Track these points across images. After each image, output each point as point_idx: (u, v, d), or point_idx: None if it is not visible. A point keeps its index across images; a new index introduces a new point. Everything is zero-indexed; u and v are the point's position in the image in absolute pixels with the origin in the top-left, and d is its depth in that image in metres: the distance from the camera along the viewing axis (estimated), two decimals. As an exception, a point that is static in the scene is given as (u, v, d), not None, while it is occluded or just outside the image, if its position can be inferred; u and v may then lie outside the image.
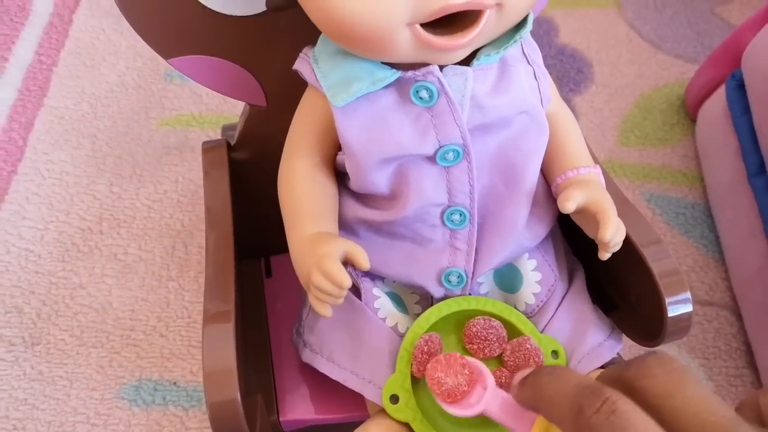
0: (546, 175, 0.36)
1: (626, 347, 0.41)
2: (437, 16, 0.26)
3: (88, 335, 0.52)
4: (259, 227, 0.43)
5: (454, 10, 0.26)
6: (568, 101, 0.65)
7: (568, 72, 0.67)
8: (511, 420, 0.29)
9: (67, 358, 0.51)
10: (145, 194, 0.58)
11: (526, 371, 0.27)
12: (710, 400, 0.22)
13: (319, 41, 0.32)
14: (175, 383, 0.50)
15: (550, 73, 0.66)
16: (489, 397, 0.29)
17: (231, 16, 0.35)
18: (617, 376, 0.24)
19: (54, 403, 0.49)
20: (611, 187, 0.37)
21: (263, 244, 0.46)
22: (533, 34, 0.33)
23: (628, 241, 0.35)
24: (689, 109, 0.64)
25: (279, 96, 0.39)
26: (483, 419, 0.31)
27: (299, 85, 0.34)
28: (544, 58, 0.70)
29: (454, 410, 0.30)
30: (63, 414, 0.49)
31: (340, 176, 0.35)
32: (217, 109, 0.63)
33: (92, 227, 0.56)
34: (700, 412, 0.21)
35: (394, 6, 0.26)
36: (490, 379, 0.30)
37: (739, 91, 0.53)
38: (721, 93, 0.57)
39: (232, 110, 0.49)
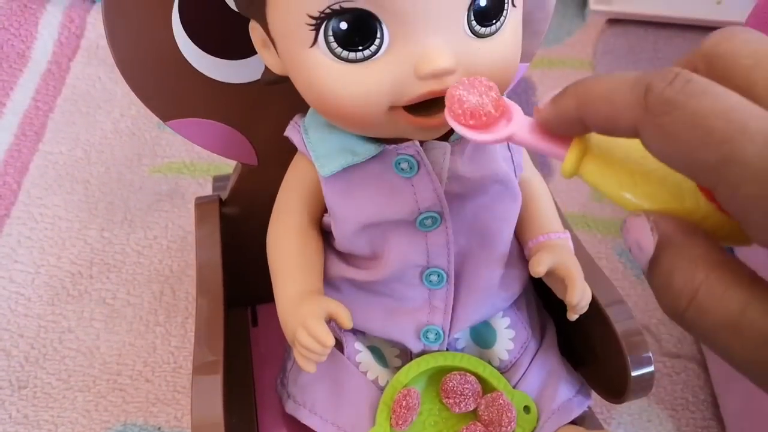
0: (519, 238, 0.38)
1: (596, 402, 0.43)
2: (417, 101, 0.29)
3: (75, 379, 0.52)
4: (246, 277, 0.45)
5: (433, 97, 0.28)
6: (543, 157, 0.68)
7: (545, 129, 0.70)
8: (544, 142, 0.24)
9: (53, 402, 0.51)
10: (136, 240, 0.59)
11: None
12: None
13: (309, 113, 0.35)
14: (159, 428, 0.51)
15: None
16: (517, 120, 0.25)
17: (226, 83, 0.38)
18: (691, 54, 0.20)
19: (38, 447, 0.50)
20: (580, 251, 0.39)
21: (250, 294, 0.48)
22: (512, 92, 0.35)
23: (593, 301, 0.38)
24: (659, 167, 0.67)
25: (269, 156, 0.41)
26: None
27: (288, 147, 0.36)
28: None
29: (476, 136, 0.25)
30: (46, 458, 0.49)
31: (325, 235, 0.37)
32: (208, 157, 0.65)
33: (82, 271, 0.58)
34: None
35: (378, 91, 0.28)
36: (516, 108, 0.25)
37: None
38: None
39: (223, 159, 0.51)
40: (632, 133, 0.19)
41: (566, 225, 0.40)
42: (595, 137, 0.22)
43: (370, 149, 0.32)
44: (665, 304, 0.19)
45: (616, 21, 0.82)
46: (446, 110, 0.26)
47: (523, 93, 0.73)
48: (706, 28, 0.79)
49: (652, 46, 0.80)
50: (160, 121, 0.38)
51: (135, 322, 0.55)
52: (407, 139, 0.32)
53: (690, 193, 0.20)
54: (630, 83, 0.19)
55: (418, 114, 0.29)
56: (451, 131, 0.33)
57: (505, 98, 0.26)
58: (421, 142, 0.32)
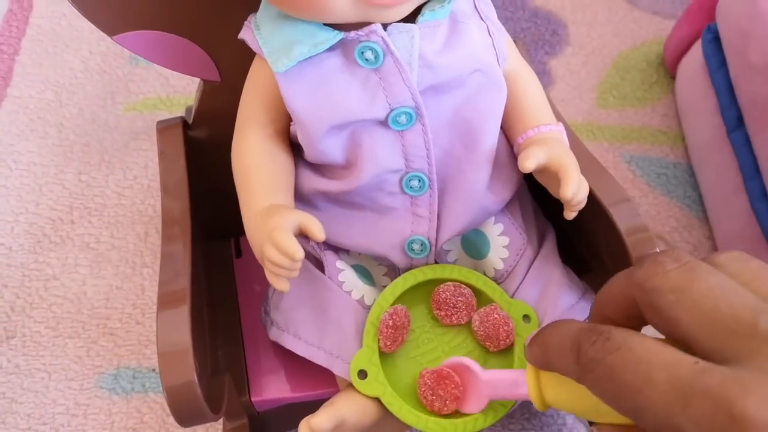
0: (507, 135, 0.35)
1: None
2: None
3: (64, 326, 0.51)
4: (225, 207, 0.42)
5: None
6: (543, 64, 0.64)
7: (543, 35, 0.65)
8: (513, 391, 0.29)
9: (43, 350, 0.50)
10: (115, 181, 0.57)
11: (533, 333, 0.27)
12: (730, 288, 0.20)
13: (260, 6, 0.31)
14: (153, 370, 0.50)
15: (525, 37, 0.65)
16: (486, 388, 0.30)
17: (176, -14, 0.34)
18: (628, 279, 0.23)
19: (33, 396, 0.48)
20: (577, 146, 0.36)
21: (231, 224, 0.44)
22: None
23: (595, 201, 0.34)
24: (668, 67, 0.62)
25: (233, 69, 0.37)
26: None
27: (252, 57, 0.33)
28: (518, 21, 0.69)
29: (468, 411, 0.31)
30: (42, 406, 0.48)
31: (295, 148, 0.34)
32: (184, 90, 0.61)
33: (63, 217, 0.55)
34: (719, 304, 0.19)
35: None
36: (477, 369, 0.31)
37: (715, 44, 0.52)
38: (697, 48, 0.55)
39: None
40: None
41: (558, 117, 0.36)
42: (548, 382, 0.27)
43: (327, 38, 0.28)
44: None
45: None
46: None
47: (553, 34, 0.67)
48: None
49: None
50: (133, 56, 0.35)
51: (121, 265, 0.53)
52: (369, 24, 0.28)
53: None
54: (570, 340, 0.23)
55: None
56: (418, 11, 0.29)
57: (460, 361, 0.31)
58: (385, 27, 0.29)
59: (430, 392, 0.32)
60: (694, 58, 0.56)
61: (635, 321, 0.23)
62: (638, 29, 0.66)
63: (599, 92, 0.63)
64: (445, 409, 0.32)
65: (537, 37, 0.65)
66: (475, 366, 0.31)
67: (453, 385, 0.31)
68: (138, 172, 0.57)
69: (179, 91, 0.61)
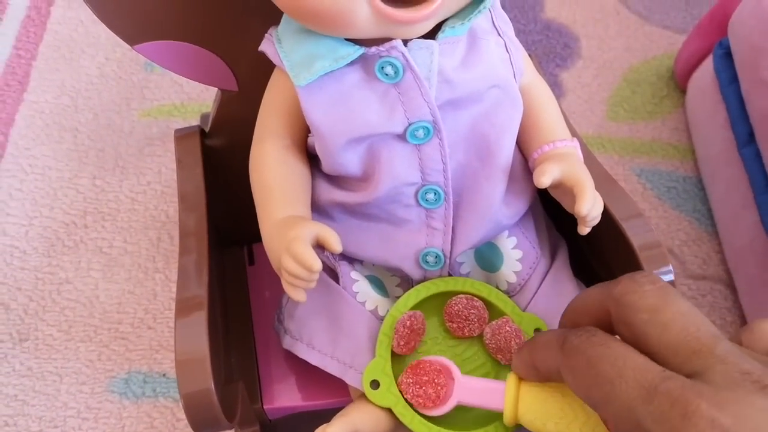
0: (523, 150, 0.35)
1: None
2: None
3: (76, 330, 0.51)
4: (239, 214, 0.42)
5: None
6: (555, 77, 0.64)
7: (555, 47, 0.66)
8: (485, 400, 0.30)
9: (55, 353, 0.51)
10: (129, 186, 0.57)
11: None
12: (696, 315, 0.23)
13: (282, 20, 0.32)
14: (164, 375, 0.50)
15: (537, 49, 0.66)
16: (459, 390, 0.31)
17: (196, -2, 0.35)
18: (606, 292, 0.25)
19: (44, 399, 0.49)
20: (591, 160, 0.36)
21: (245, 232, 0.45)
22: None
23: (608, 216, 0.35)
24: (679, 81, 0.63)
25: (251, 79, 0.38)
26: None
27: (270, 68, 0.33)
28: (530, 33, 0.69)
29: (433, 412, 0.31)
30: (54, 409, 0.49)
31: (312, 159, 0.34)
32: (198, 97, 0.62)
33: (77, 221, 0.56)
34: (687, 327, 0.22)
35: None
36: (455, 371, 0.31)
37: (726, 59, 0.52)
38: (709, 63, 0.56)
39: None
40: (558, 372, 0.25)
41: (573, 133, 0.36)
42: (525, 395, 0.28)
43: (348, 53, 0.29)
44: None
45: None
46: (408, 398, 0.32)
47: (530, 9, 0.68)
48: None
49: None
50: (148, 63, 0.35)
51: (133, 269, 0.54)
52: (389, 40, 0.29)
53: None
54: (558, 335, 0.25)
55: (398, 6, 0.26)
56: (439, 28, 0.30)
57: (450, 366, 0.31)
58: (406, 42, 0.29)
59: (417, 387, 0.32)
60: (705, 73, 0.57)
61: (605, 330, 0.25)
62: (649, 43, 0.67)
63: (610, 105, 0.63)
64: (429, 403, 0.31)
65: (549, 50, 0.66)
66: (453, 367, 0.32)
67: (435, 381, 0.32)
68: (152, 177, 0.58)
69: (193, 98, 0.62)
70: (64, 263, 0.54)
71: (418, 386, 0.31)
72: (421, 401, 0.31)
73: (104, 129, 0.61)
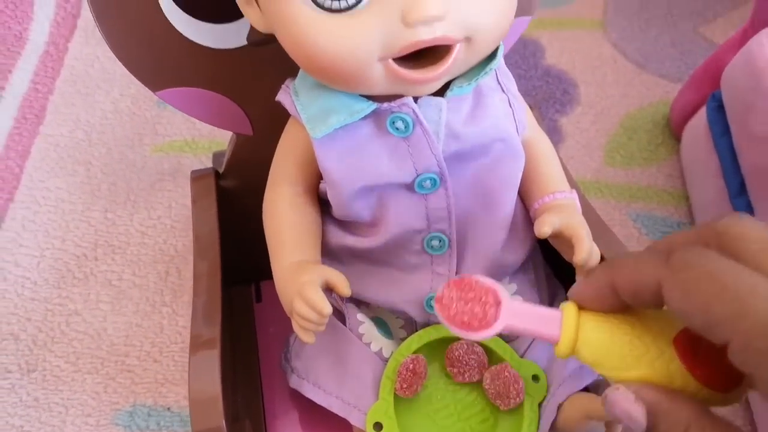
0: (524, 199, 0.37)
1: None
2: (408, 52, 0.27)
3: (84, 361, 0.52)
4: (248, 253, 0.44)
5: (424, 46, 0.27)
6: (554, 122, 0.66)
7: (554, 93, 0.68)
8: (537, 326, 0.26)
9: (62, 385, 0.51)
10: (139, 220, 0.59)
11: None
12: None
13: (299, 74, 0.33)
14: (168, 409, 0.51)
15: (537, 94, 0.68)
16: (507, 313, 0.27)
17: (215, 49, 0.37)
18: (696, 235, 0.23)
19: (50, 430, 0.49)
20: (587, 209, 0.38)
21: (253, 270, 0.47)
22: (520, 55, 0.34)
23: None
24: (674, 129, 0.65)
25: (265, 124, 0.40)
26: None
27: (284, 114, 0.35)
28: (531, 79, 0.72)
29: (477, 336, 0.27)
30: (58, 440, 0.49)
31: (323, 204, 0.36)
32: (209, 134, 0.64)
33: (87, 253, 0.57)
34: None
35: (366, 42, 0.27)
36: (503, 293, 0.27)
37: (719, 111, 0.54)
38: (702, 113, 0.58)
39: (224, 136, 0.51)
40: (655, 290, 0.22)
41: (573, 185, 0.38)
42: (585, 324, 0.25)
43: (362, 108, 0.31)
44: None
45: (627, -22, 0.78)
46: (442, 317, 0.27)
47: (531, 56, 0.70)
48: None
49: (665, 3, 0.77)
50: (160, 100, 0.37)
51: (141, 302, 0.55)
52: (400, 95, 0.30)
53: (678, 374, 0.23)
54: (654, 253, 0.23)
55: (410, 66, 0.28)
56: (447, 86, 0.31)
57: (496, 287, 0.27)
58: (416, 99, 0.31)
59: (462, 303, 0.27)
60: (699, 123, 0.59)
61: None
62: (645, 91, 0.69)
63: (607, 151, 0.65)
64: (475, 323, 0.27)
65: (548, 95, 0.68)
66: (500, 288, 0.27)
67: (482, 299, 0.27)
68: (162, 212, 0.59)
69: (204, 135, 0.64)
70: (73, 295, 0.55)
71: (463, 302, 0.27)
72: (466, 319, 0.27)
73: (117, 163, 0.62)
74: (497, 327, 0.26)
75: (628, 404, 0.22)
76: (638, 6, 0.76)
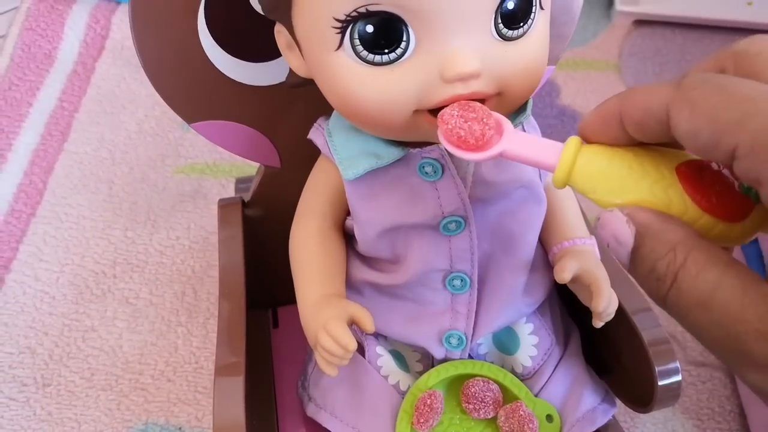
0: (544, 243, 0.38)
1: (620, 410, 0.42)
2: (442, 105, 0.28)
3: (98, 378, 0.53)
4: (267, 279, 0.45)
5: (458, 101, 0.28)
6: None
7: (569, 132, 0.69)
8: (534, 153, 0.26)
9: (76, 400, 0.52)
10: (158, 240, 0.60)
11: None
12: None
13: (333, 116, 0.35)
14: (180, 428, 0.51)
15: (552, 134, 0.69)
16: (508, 139, 0.26)
17: (251, 85, 0.38)
18: (715, 57, 0.22)
19: (61, 445, 0.50)
20: (606, 257, 0.39)
21: (271, 295, 0.48)
22: (536, 94, 0.35)
23: (620, 309, 0.37)
24: (685, 171, 0.66)
25: (293, 158, 0.41)
26: None
27: (311, 150, 0.36)
28: (546, 117, 0.73)
29: (470, 155, 0.27)
30: (69, 455, 0.50)
31: (348, 239, 0.37)
32: (230, 158, 0.65)
33: (106, 271, 0.58)
34: None
35: (404, 95, 0.28)
36: (506, 124, 0.27)
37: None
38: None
39: (245, 161, 0.52)
40: (662, 118, 0.21)
41: (592, 231, 0.39)
42: (585, 150, 0.24)
43: (394, 153, 0.32)
44: (649, 290, 0.21)
45: (642, 22, 0.80)
46: (440, 131, 0.27)
47: (547, 95, 0.72)
48: (735, 30, 0.77)
49: (679, 48, 0.78)
50: (184, 122, 0.38)
51: (157, 321, 0.56)
52: (431, 143, 0.32)
53: (677, 199, 0.22)
54: (666, 82, 0.21)
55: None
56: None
57: (494, 114, 0.27)
58: (445, 146, 0.32)
59: (462, 120, 0.27)
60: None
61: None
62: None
63: (619, 190, 0.66)
64: (471, 140, 0.26)
65: (563, 135, 0.69)
66: (504, 120, 0.27)
67: (484, 120, 0.27)
68: (181, 232, 0.60)
69: (225, 159, 0.65)
70: (90, 311, 0.56)
71: (463, 120, 0.26)
72: (462, 134, 0.26)
73: (139, 183, 0.63)
74: (495, 150, 0.26)
75: (617, 225, 0.22)
76: (653, 50, 0.78)
